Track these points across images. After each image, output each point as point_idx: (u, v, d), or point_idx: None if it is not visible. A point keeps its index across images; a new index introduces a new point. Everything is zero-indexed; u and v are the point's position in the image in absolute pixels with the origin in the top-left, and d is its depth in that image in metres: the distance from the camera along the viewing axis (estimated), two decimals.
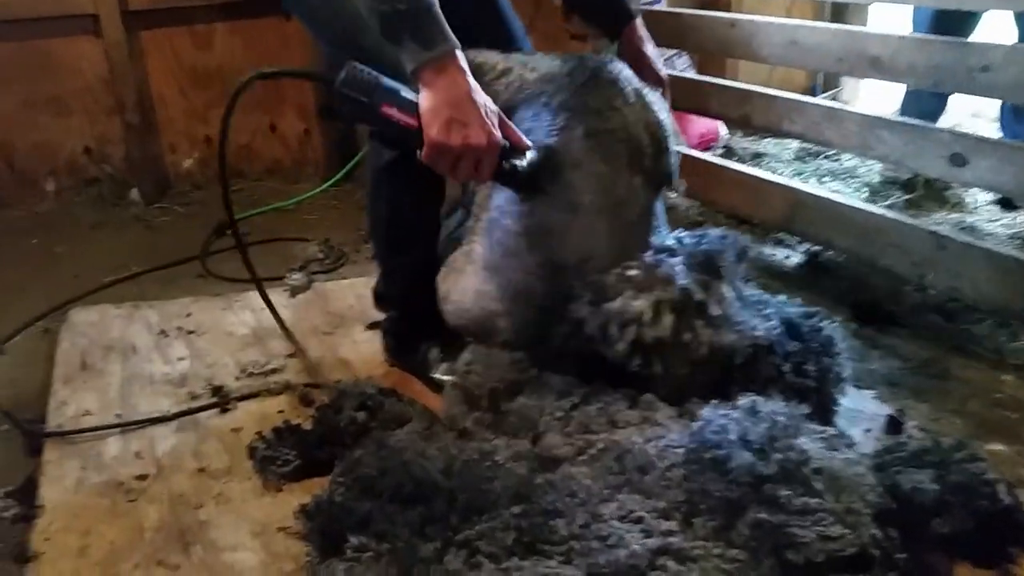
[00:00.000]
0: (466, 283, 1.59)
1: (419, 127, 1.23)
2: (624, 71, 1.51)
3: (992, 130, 3.29)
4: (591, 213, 1.46)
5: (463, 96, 1.21)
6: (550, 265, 1.48)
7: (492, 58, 1.56)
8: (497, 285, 1.54)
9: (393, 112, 1.23)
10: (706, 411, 1.31)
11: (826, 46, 2.27)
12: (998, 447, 1.66)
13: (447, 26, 1.22)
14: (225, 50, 3.22)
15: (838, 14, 3.82)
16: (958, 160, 1.99)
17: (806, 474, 1.16)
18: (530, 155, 1.34)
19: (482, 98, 1.25)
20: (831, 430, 1.34)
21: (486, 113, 1.24)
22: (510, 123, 1.33)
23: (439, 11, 1.22)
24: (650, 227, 1.54)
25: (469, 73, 1.24)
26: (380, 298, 1.89)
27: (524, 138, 1.35)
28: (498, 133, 1.27)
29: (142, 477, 1.52)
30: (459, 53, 1.23)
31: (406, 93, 1.25)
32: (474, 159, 1.25)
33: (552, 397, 1.42)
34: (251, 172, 3.38)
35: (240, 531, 1.36)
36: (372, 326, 2.04)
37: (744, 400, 1.30)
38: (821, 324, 1.55)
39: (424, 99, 1.22)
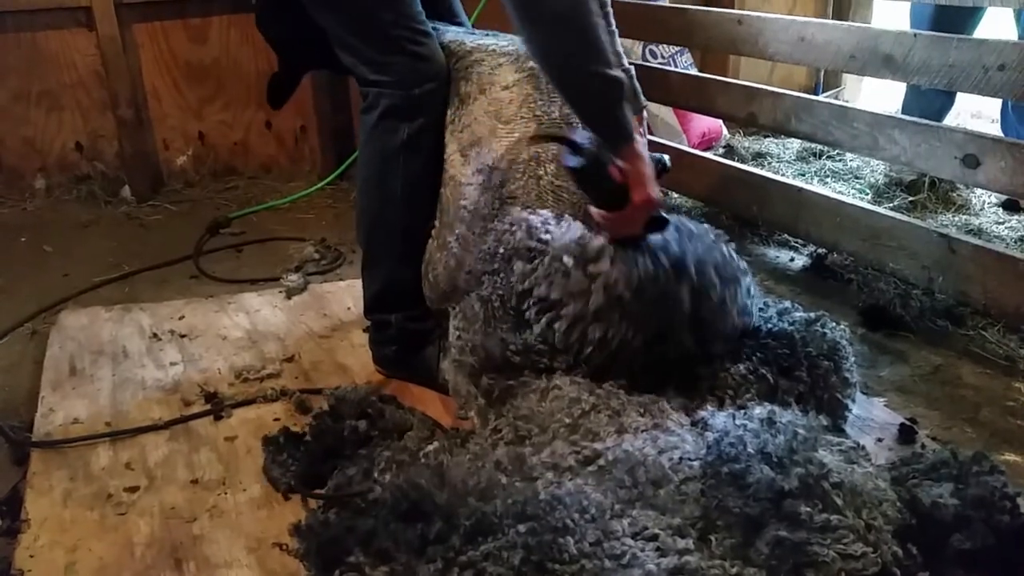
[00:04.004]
0: (432, 250, 1.67)
1: (623, 185, 1.42)
2: None
3: (994, 130, 3.26)
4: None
5: (646, 159, 1.44)
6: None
7: (457, 38, 1.70)
8: (458, 225, 1.62)
9: (615, 171, 1.42)
10: (720, 421, 1.26)
11: (837, 43, 2.23)
12: (1012, 457, 1.63)
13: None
14: (221, 44, 3.17)
15: (839, 10, 3.79)
16: (971, 161, 1.95)
17: (826, 489, 1.11)
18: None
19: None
20: (848, 442, 1.30)
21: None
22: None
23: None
24: None
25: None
26: (383, 301, 1.74)
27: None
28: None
29: (133, 489, 1.47)
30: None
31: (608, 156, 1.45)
32: (650, 211, 1.44)
33: (562, 403, 1.37)
34: (246, 169, 3.33)
35: (235, 546, 1.32)
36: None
37: (760, 410, 1.26)
38: (824, 329, 1.51)
39: (636, 161, 1.41)
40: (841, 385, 1.49)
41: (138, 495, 1.45)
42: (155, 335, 2.02)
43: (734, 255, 1.50)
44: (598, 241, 1.43)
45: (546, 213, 1.54)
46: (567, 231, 1.49)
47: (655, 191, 1.43)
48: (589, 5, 1.35)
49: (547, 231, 1.49)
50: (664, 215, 1.48)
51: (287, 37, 1.77)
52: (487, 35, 1.77)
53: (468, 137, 1.62)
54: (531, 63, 1.63)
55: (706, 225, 1.55)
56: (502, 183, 1.58)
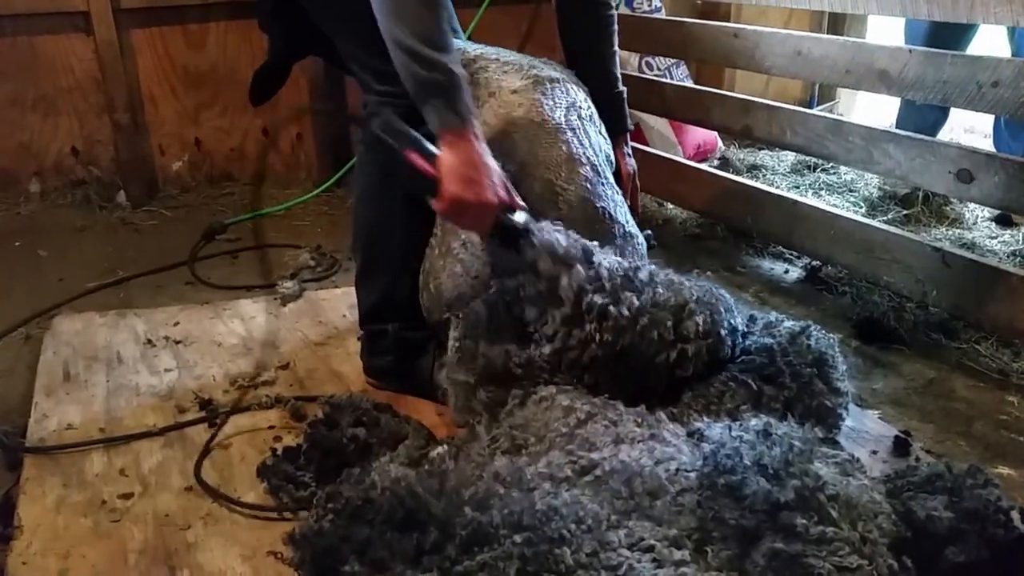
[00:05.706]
0: (434, 258, 1.65)
1: (436, 177, 1.41)
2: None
3: (987, 145, 3.29)
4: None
5: (479, 160, 1.40)
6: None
7: (459, 46, 1.68)
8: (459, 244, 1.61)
9: (416, 159, 1.42)
10: (716, 432, 1.26)
11: (833, 58, 2.25)
12: (1006, 470, 1.64)
13: (470, 100, 1.43)
14: (219, 50, 3.17)
15: (835, 24, 3.82)
16: (965, 176, 1.96)
17: (822, 501, 1.12)
18: (521, 215, 1.47)
19: (492, 163, 1.43)
20: (844, 454, 1.30)
21: (493, 176, 1.43)
22: (510, 186, 1.48)
23: (467, 87, 1.42)
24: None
25: (483, 140, 1.43)
26: (380, 311, 1.72)
27: (519, 199, 1.50)
28: (502, 194, 1.43)
29: (126, 496, 1.46)
30: (476, 123, 1.43)
31: (429, 145, 1.43)
32: (480, 212, 1.42)
33: (558, 413, 1.37)
34: (242, 176, 3.33)
35: (229, 554, 1.31)
36: None
37: (756, 421, 1.26)
38: (810, 340, 1.50)
39: (446, 156, 1.39)
40: (831, 393, 1.47)
41: (132, 502, 1.44)
42: (150, 341, 2.01)
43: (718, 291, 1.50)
44: (594, 298, 1.39)
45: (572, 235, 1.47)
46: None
47: (467, 188, 1.37)
48: None
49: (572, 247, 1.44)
50: (514, 226, 1.43)
51: (287, 19, 1.73)
52: (483, 47, 1.77)
53: None
54: (535, 71, 1.64)
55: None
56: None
